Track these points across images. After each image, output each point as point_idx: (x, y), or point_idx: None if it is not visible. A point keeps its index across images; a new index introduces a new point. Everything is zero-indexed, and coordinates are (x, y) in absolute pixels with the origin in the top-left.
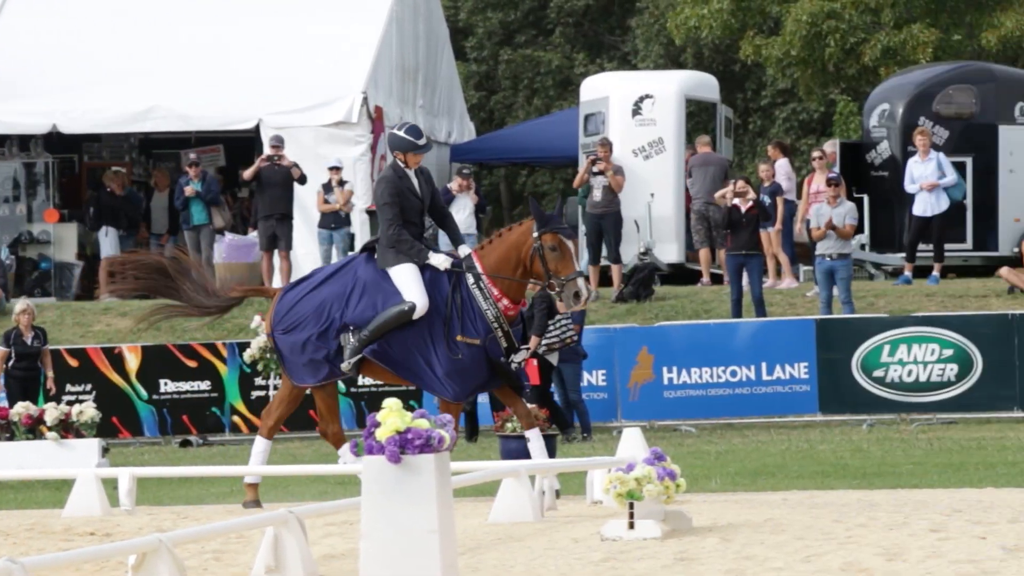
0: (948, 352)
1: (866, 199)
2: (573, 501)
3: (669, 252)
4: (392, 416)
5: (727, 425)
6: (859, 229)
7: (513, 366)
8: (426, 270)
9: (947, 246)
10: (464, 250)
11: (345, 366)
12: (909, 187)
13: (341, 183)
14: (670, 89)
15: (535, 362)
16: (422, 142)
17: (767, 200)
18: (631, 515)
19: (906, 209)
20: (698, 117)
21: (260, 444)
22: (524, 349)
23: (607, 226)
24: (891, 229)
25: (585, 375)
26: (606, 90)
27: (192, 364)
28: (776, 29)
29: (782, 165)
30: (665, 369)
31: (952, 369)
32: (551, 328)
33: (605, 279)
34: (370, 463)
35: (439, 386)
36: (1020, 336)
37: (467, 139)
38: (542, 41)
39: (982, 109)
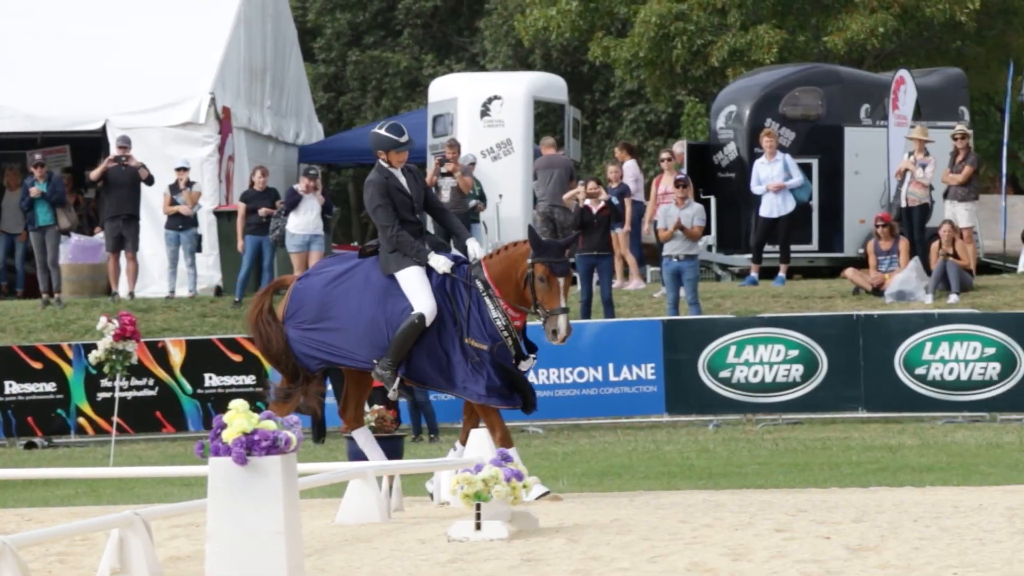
0: (793, 353)
1: (713, 200)
2: (420, 502)
3: None
4: (239, 418)
5: (574, 426)
6: (706, 230)
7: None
8: (432, 273)
9: (793, 247)
10: (473, 245)
11: (392, 395)
12: (755, 188)
13: (188, 184)
14: (518, 90)
15: None
16: (404, 139)
17: (615, 201)
18: (478, 516)
19: (752, 210)
20: (546, 118)
21: (361, 435)
22: (532, 358)
23: None
24: (738, 230)
25: None
26: (454, 91)
27: (37, 365)
28: (624, 31)
29: (630, 166)
30: None
31: (797, 370)
32: None
33: None
34: (216, 465)
35: (464, 391)
36: (865, 337)
37: (315, 140)
38: (390, 42)
39: (828, 111)
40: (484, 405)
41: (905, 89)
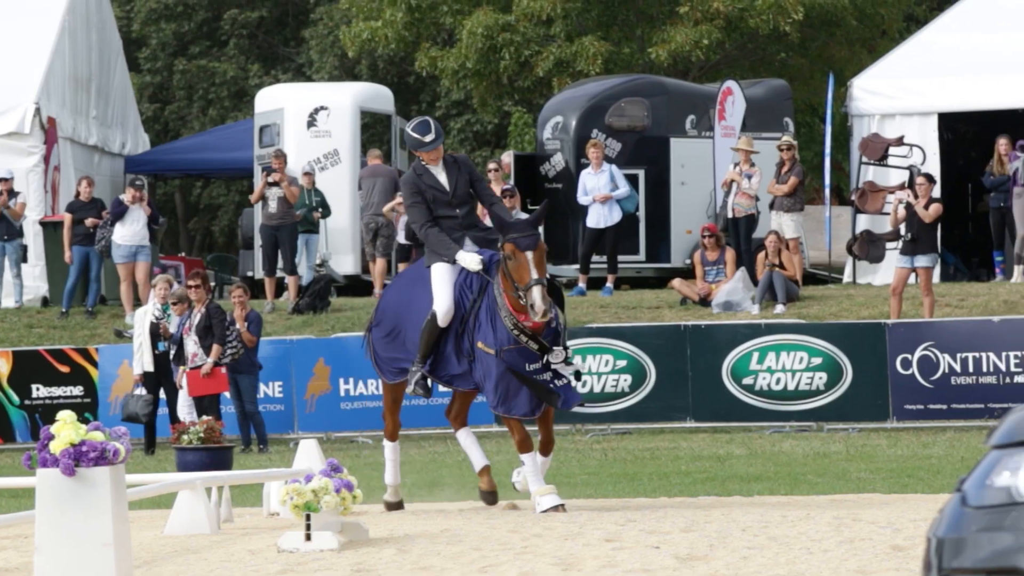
0: (622, 363)
1: None
2: (250, 513)
3: (345, 264)
4: (66, 429)
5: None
6: None
7: (552, 364)
8: (462, 269)
9: (620, 258)
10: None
11: (410, 390)
12: (582, 199)
13: (13, 194)
14: (344, 101)
15: (223, 370)
16: (428, 138)
17: None
18: (308, 527)
19: (580, 221)
20: (373, 129)
21: (463, 436)
22: (559, 350)
23: (283, 237)
24: (565, 241)
25: (261, 387)
26: (281, 101)
27: None
28: (451, 41)
29: None
30: (342, 380)
31: (626, 380)
32: (228, 338)
33: (281, 290)
34: (44, 476)
35: (486, 394)
36: (692, 347)
37: (142, 150)
38: (216, 52)
39: (654, 122)
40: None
41: (733, 100)
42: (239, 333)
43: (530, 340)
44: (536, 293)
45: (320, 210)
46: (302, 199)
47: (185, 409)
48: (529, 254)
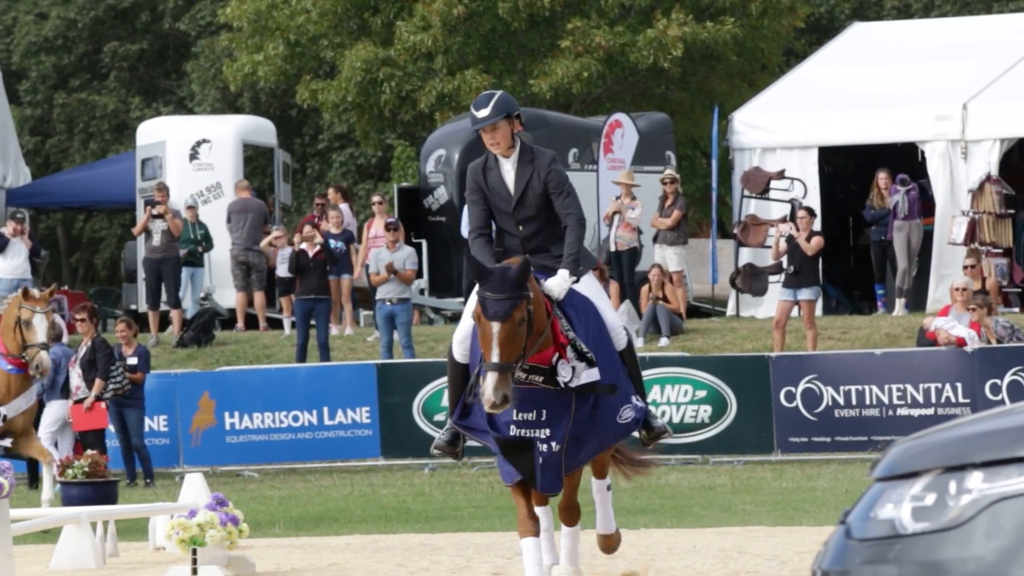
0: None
1: (424, 244)
2: (135, 547)
3: (228, 297)
4: None
5: (290, 470)
6: (419, 274)
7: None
8: None
9: None
10: (555, 284)
11: (433, 448)
12: (465, 232)
13: None
14: (227, 134)
15: (103, 405)
16: (481, 114)
17: (343, 247)
18: (194, 561)
19: (463, 254)
20: (256, 161)
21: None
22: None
23: (167, 270)
24: (450, 273)
25: (147, 420)
26: (163, 134)
27: None
28: (332, 73)
29: (343, 210)
30: (227, 414)
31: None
32: (113, 372)
33: (165, 323)
34: None
35: None
36: None
37: (23, 183)
38: (97, 85)
39: None
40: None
41: (622, 132)
42: (124, 368)
43: (530, 375)
44: (488, 382)
45: (203, 244)
46: (186, 232)
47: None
48: (494, 326)
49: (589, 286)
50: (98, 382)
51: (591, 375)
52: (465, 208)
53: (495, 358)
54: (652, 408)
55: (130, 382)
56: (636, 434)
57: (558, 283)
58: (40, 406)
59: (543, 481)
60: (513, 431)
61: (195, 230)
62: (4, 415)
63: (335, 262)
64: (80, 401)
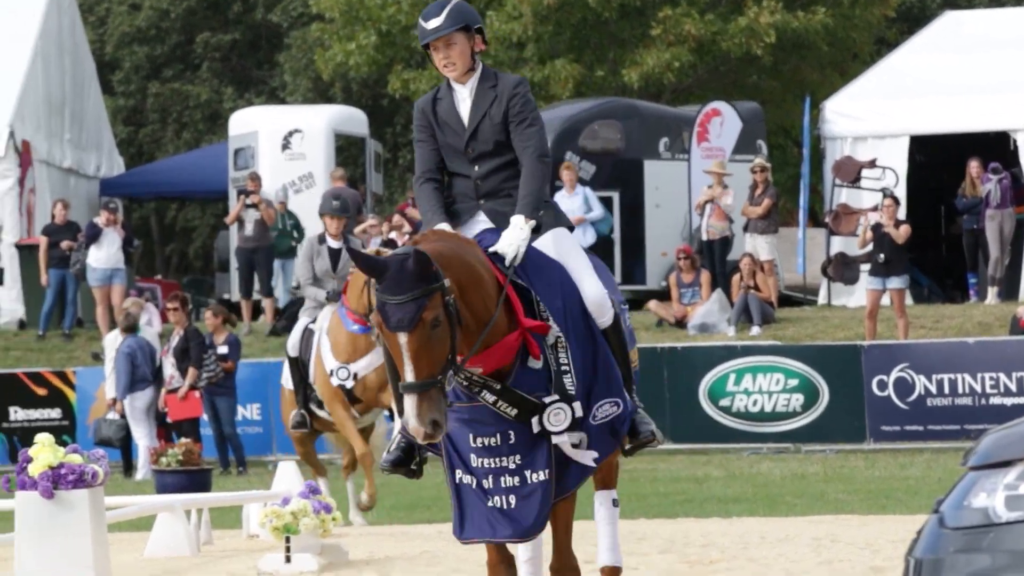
0: None
1: None
2: (229, 535)
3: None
4: (45, 451)
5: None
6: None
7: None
8: None
9: None
10: (506, 242)
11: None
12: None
13: None
14: (319, 123)
15: (197, 394)
16: (433, 24)
17: None
18: (288, 548)
19: None
20: (347, 151)
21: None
22: (560, 408)
23: (259, 260)
24: None
25: (240, 409)
26: (255, 124)
27: None
28: (423, 63)
29: None
30: None
31: None
32: (206, 360)
33: (258, 313)
34: (23, 499)
35: None
36: (669, 369)
37: (116, 173)
38: (190, 75)
39: (627, 144)
40: None
41: (720, 120)
42: (216, 356)
43: (486, 391)
44: (407, 408)
45: (296, 234)
46: (276, 223)
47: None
48: (401, 337)
49: (561, 244)
50: (191, 371)
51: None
52: (416, 148)
53: (410, 377)
54: (641, 408)
55: (223, 371)
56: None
57: (510, 239)
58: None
59: (526, 521)
60: (474, 462)
61: (284, 220)
62: (355, 373)
63: None
64: (174, 391)
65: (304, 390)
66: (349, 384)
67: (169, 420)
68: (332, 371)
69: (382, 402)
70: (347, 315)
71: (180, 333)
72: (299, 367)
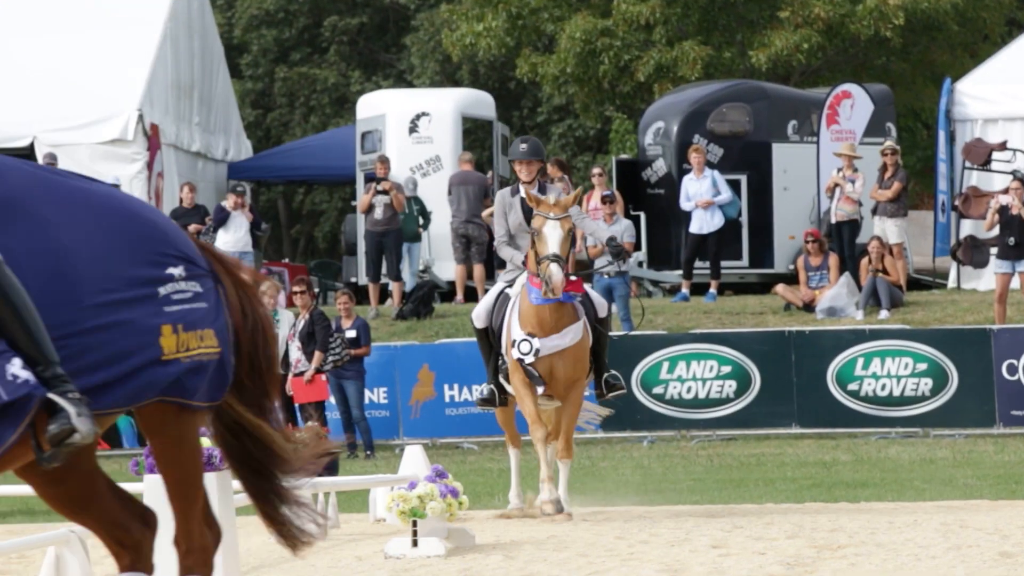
0: (726, 369)
1: (643, 217)
2: (356, 519)
3: (448, 270)
4: None
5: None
6: (636, 247)
7: None
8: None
9: (723, 263)
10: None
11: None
12: (685, 204)
13: None
14: (446, 107)
15: (323, 377)
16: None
17: None
18: (414, 533)
19: (682, 227)
20: (475, 134)
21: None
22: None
23: (388, 244)
24: (668, 246)
25: (367, 392)
26: (382, 108)
27: None
28: (551, 47)
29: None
30: (446, 386)
31: (731, 386)
32: (332, 344)
33: (385, 296)
34: (151, 482)
35: None
36: (796, 353)
37: (244, 157)
38: (317, 59)
39: (756, 127)
40: None
41: (851, 103)
42: (343, 340)
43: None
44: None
45: (422, 219)
46: (404, 208)
47: None
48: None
49: None
50: (317, 354)
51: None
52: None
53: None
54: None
55: (349, 354)
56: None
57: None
58: None
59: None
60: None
61: (411, 205)
62: (537, 349)
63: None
64: (300, 374)
65: (495, 362)
66: (529, 359)
67: (295, 403)
68: (515, 341)
69: (571, 396)
70: (530, 281)
71: (306, 317)
72: (488, 337)
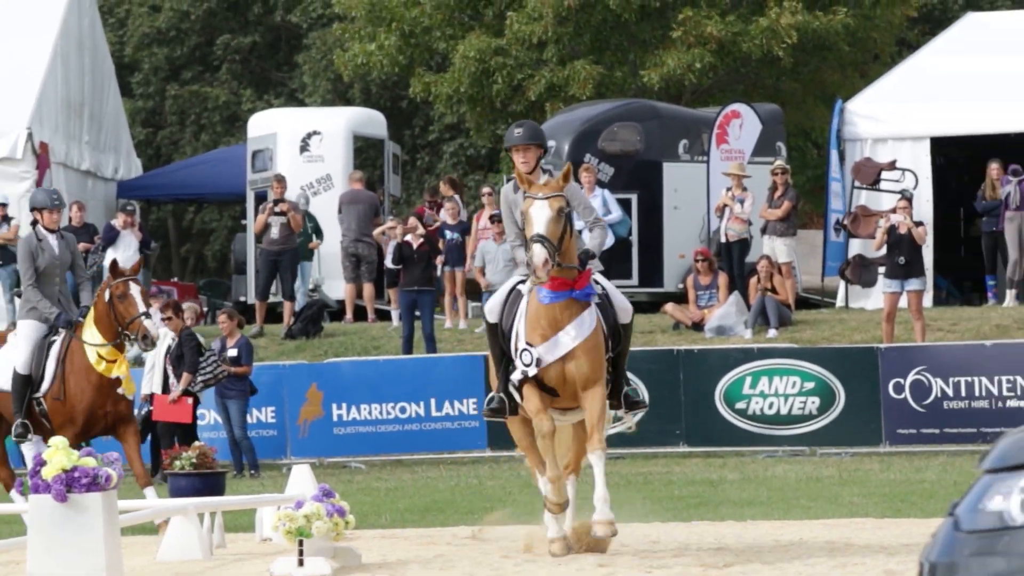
0: None
1: None
2: (243, 538)
3: (337, 289)
4: (58, 454)
5: (396, 461)
6: None
7: None
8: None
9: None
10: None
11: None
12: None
13: (7, 219)
14: (337, 125)
15: (188, 400)
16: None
17: (459, 238)
18: (300, 552)
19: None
20: (366, 153)
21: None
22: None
23: (284, 263)
24: None
25: (254, 412)
26: (274, 126)
27: None
28: (444, 65)
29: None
30: (334, 406)
31: None
32: (202, 364)
33: (274, 316)
34: (36, 502)
35: None
36: (685, 372)
37: (134, 175)
38: (209, 77)
39: (646, 146)
40: None
41: (740, 123)
42: (216, 359)
43: None
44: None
45: (315, 236)
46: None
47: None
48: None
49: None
50: (185, 376)
51: None
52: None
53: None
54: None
55: (229, 373)
56: None
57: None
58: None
59: None
60: None
61: (305, 222)
62: (538, 358)
63: (437, 254)
64: (166, 393)
65: (506, 367)
66: (532, 371)
67: (152, 419)
68: (517, 351)
69: (592, 393)
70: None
71: (175, 338)
72: (500, 335)
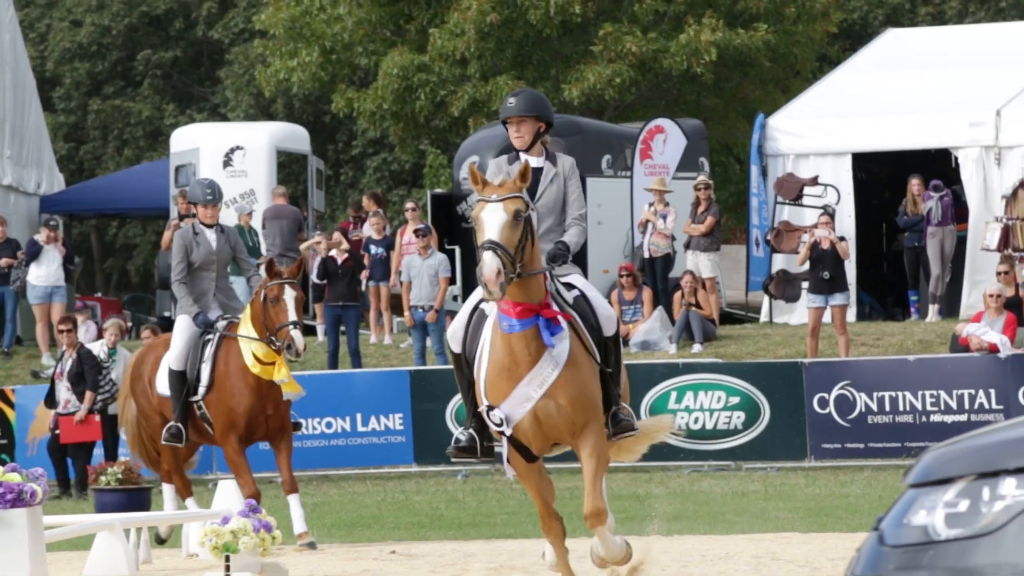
0: None
1: (457, 250)
2: (168, 554)
3: None
4: None
5: (323, 477)
6: (452, 280)
7: None
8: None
9: None
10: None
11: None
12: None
13: None
14: (261, 140)
15: (97, 418)
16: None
17: (384, 253)
18: (227, 568)
19: None
20: (289, 168)
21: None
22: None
23: None
24: None
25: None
26: (197, 141)
27: None
28: (367, 81)
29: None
30: None
31: None
32: (102, 382)
33: None
34: None
35: None
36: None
37: (57, 190)
38: (131, 92)
39: None
40: None
41: (664, 138)
42: (111, 379)
43: None
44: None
45: (257, 253)
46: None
47: None
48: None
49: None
50: (89, 394)
51: None
52: None
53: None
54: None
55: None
56: None
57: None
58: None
59: None
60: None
61: (249, 236)
62: (505, 417)
63: (362, 269)
64: (70, 414)
65: (472, 398)
66: (508, 431)
67: (61, 442)
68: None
69: (587, 442)
70: (499, 305)
71: (73, 356)
72: (464, 365)
